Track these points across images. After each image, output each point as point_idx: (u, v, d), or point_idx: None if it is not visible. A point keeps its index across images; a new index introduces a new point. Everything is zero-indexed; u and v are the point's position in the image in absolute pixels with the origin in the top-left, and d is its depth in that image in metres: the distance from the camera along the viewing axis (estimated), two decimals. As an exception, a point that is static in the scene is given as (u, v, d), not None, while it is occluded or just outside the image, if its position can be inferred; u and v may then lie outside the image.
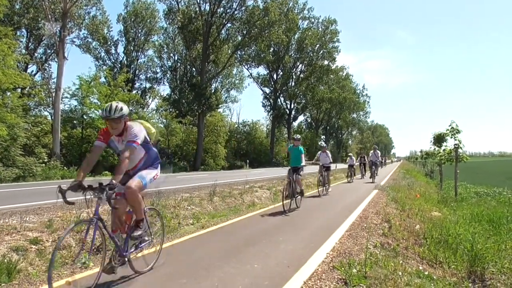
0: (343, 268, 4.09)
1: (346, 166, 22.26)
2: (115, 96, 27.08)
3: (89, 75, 26.82)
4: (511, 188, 16.74)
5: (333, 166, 16.18)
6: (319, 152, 13.54)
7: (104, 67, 37.59)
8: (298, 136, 10.05)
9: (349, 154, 23.37)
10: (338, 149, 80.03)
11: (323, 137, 77.77)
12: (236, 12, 35.68)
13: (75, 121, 26.98)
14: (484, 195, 15.84)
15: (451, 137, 14.06)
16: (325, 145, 14.12)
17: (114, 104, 3.58)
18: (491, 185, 18.78)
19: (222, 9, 35.18)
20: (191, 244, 5.40)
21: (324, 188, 12.81)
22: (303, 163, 9.38)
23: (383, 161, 46.87)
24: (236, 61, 43.29)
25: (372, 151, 21.38)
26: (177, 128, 36.66)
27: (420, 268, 4.67)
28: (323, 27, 52.79)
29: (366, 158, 23.31)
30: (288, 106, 57.48)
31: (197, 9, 34.86)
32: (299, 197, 9.30)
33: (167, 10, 35.56)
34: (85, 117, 26.51)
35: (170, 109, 37.62)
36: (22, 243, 4.47)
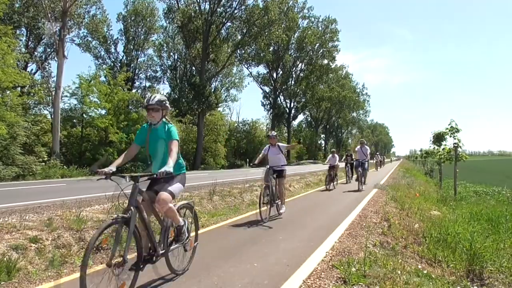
0: (342, 267, 4.10)
1: (343, 165, 19.26)
2: (115, 95, 27.10)
3: (89, 74, 26.85)
4: (510, 187, 16.77)
5: (315, 167, 14.07)
6: (266, 146, 8.14)
7: (104, 66, 37.63)
8: (158, 97, 3.79)
9: (332, 150, 17.46)
10: (338, 148, 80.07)
11: (323, 136, 77.90)
12: (236, 11, 35.69)
13: (75, 120, 27.01)
14: (483, 194, 15.89)
15: (451, 136, 14.10)
16: (274, 134, 8.32)
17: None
18: (490, 184, 18.83)
19: (222, 8, 35.19)
20: (190, 243, 5.40)
21: (276, 205, 7.77)
22: (170, 166, 3.31)
23: (382, 160, 43.84)
24: (236, 60, 43.27)
25: (358, 147, 15.24)
26: (176, 127, 36.67)
27: (419, 267, 4.67)
28: (323, 27, 52.89)
29: (353, 157, 17.76)
30: (288, 105, 57.56)
31: (196, 8, 34.84)
32: (177, 247, 3.94)
33: (166, 9, 35.57)
34: (85, 116, 26.51)
35: (170, 108, 37.61)
36: (21, 241, 4.47)
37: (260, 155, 8.06)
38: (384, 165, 47.03)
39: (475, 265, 5.02)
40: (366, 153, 14.82)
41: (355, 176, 16.17)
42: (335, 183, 15.02)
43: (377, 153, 43.42)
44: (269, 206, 7.37)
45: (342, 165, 18.84)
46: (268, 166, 7.79)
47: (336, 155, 15.43)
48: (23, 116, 18.78)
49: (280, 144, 8.09)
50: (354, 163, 15.91)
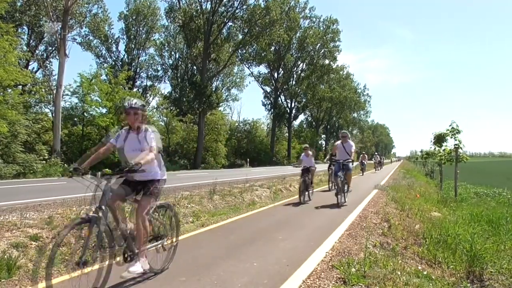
0: (342, 267, 4.10)
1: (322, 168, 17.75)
2: (116, 93, 27.11)
3: (90, 72, 26.93)
4: (511, 189, 16.75)
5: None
6: (122, 132, 3.83)
7: (105, 64, 37.70)
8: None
9: (305, 146, 12.19)
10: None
11: (323, 136, 77.80)
12: (237, 11, 35.71)
13: (75, 119, 27.05)
14: (484, 195, 15.87)
15: (451, 137, 14.05)
16: (138, 103, 3.69)
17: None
18: (491, 186, 18.80)
19: (223, 7, 35.21)
20: (190, 242, 5.41)
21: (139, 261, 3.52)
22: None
23: (381, 160, 39.78)
24: (237, 59, 43.30)
25: (339, 142, 10.52)
26: (177, 126, 36.73)
27: (419, 268, 4.67)
28: (324, 27, 52.78)
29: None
30: (289, 105, 57.50)
31: (198, 7, 34.87)
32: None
33: (168, 8, 35.59)
34: (85, 114, 26.57)
35: (171, 107, 37.67)
36: (22, 239, 4.48)
37: (102, 150, 3.77)
38: (383, 166, 42.64)
39: (475, 266, 5.01)
40: (350, 150, 10.11)
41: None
42: (310, 192, 10.74)
43: (376, 153, 40.66)
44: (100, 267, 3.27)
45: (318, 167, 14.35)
46: (97, 177, 3.36)
47: (310, 153, 11.19)
48: (24, 114, 18.78)
49: (151, 129, 3.77)
50: (334, 165, 10.98)
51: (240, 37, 38.13)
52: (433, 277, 4.37)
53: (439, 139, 14.91)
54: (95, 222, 3.13)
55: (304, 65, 54.49)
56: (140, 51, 41.77)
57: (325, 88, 61.65)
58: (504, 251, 5.96)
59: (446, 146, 14.87)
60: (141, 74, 43.48)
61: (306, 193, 10.48)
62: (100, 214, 3.18)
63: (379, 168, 35.99)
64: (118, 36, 40.56)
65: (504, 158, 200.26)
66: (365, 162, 28.54)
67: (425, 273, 4.40)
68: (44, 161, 19.03)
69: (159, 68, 44.64)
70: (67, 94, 25.71)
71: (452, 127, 13.87)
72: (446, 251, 5.58)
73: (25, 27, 30.42)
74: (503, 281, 4.77)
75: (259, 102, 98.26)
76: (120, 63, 39.75)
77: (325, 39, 52.31)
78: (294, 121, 61.73)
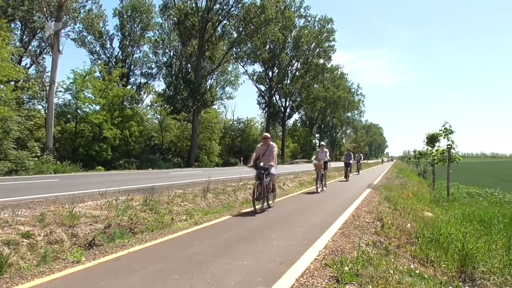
0: (335, 266, 4.11)
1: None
2: (109, 91, 26.97)
3: (83, 69, 26.76)
4: (502, 189, 16.92)
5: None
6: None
7: (99, 61, 37.47)
8: None
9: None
10: (332, 148, 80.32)
11: (317, 135, 77.96)
12: (232, 9, 35.63)
13: (68, 116, 26.86)
14: (476, 195, 16.03)
15: (444, 138, 14.19)
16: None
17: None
18: (483, 186, 18.98)
19: (218, 5, 35.12)
20: (184, 240, 5.39)
21: None
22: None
23: (359, 160, 27.41)
24: (231, 58, 43.19)
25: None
26: (171, 124, 36.59)
27: (412, 266, 4.70)
28: (319, 26, 52.93)
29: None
30: (283, 104, 57.57)
31: (193, 5, 34.75)
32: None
33: (163, 5, 35.39)
34: (79, 111, 26.40)
35: (165, 105, 37.50)
36: (13, 237, 4.44)
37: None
38: (360, 170, 28.08)
39: (467, 265, 5.06)
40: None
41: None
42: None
43: (348, 150, 23.23)
44: None
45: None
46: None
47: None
48: (16, 110, 18.60)
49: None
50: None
51: (235, 35, 38.08)
52: (425, 276, 4.39)
53: (432, 139, 15.03)
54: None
55: (299, 64, 54.68)
56: (135, 48, 41.62)
57: (319, 88, 61.87)
58: (495, 251, 6.02)
59: (439, 146, 15.01)
60: (135, 71, 43.36)
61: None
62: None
63: (358, 172, 25.53)
64: (113, 33, 40.42)
65: (496, 158, 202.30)
66: (274, 168, 8.59)
67: (417, 272, 4.43)
68: (36, 158, 18.86)
69: (153, 66, 44.50)
70: (60, 91, 25.61)
71: (445, 128, 13.99)
72: (438, 250, 5.62)
73: (18, 23, 30.09)
74: (494, 280, 4.82)
75: (254, 101, 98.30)
76: (114, 60, 39.55)
77: (320, 39, 52.46)
78: (288, 120, 62.00)
